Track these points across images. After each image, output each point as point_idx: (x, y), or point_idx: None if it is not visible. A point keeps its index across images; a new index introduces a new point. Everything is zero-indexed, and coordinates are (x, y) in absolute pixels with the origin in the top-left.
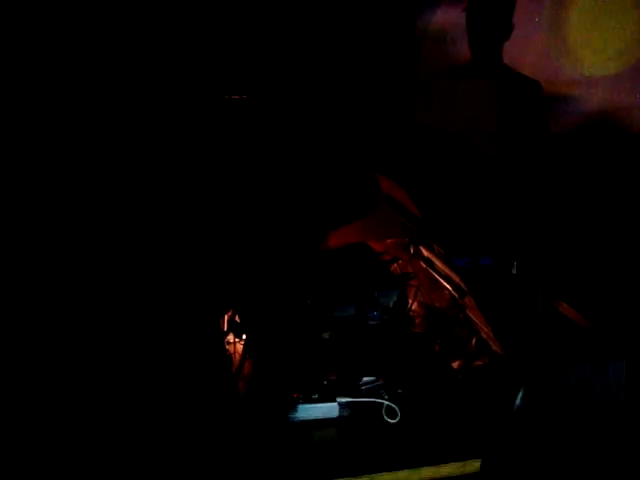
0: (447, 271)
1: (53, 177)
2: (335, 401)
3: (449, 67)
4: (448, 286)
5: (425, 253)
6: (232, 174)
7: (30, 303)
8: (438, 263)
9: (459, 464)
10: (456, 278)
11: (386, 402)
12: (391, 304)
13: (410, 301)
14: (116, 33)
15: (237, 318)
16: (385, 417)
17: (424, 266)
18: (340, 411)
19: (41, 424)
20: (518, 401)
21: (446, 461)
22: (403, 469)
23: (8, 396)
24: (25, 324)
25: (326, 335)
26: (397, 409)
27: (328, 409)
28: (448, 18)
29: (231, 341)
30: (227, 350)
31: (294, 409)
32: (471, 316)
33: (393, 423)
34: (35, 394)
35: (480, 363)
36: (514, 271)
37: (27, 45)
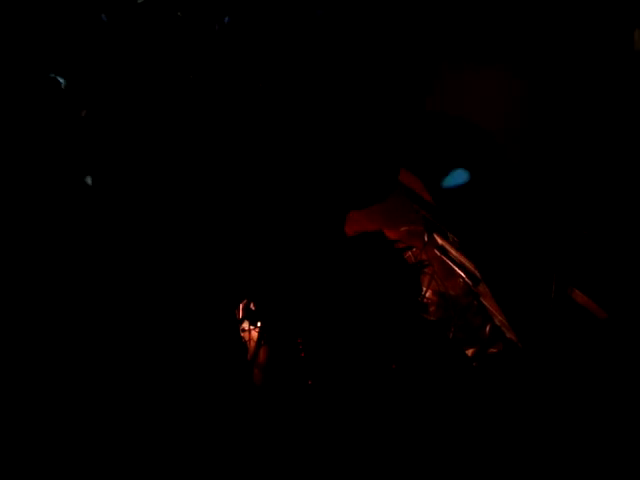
0: (461, 259)
1: (54, 176)
2: None
3: (464, 55)
4: (462, 274)
5: (439, 241)
6: (250, 161)
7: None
8: (452, 251)
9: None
10: (470, 266)
11: None
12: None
13: (424, 289)
14: (115, 32)
15: (252, 306)
16: None
17: (438, 254)
18: None
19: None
20: None
21: (460, 448)
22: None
23: (15, 392)
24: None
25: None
26: None
27: None
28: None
29: (246, 329)
30: (242, 338)
31: None
32: (485, 303)
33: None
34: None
35: (494, 350)
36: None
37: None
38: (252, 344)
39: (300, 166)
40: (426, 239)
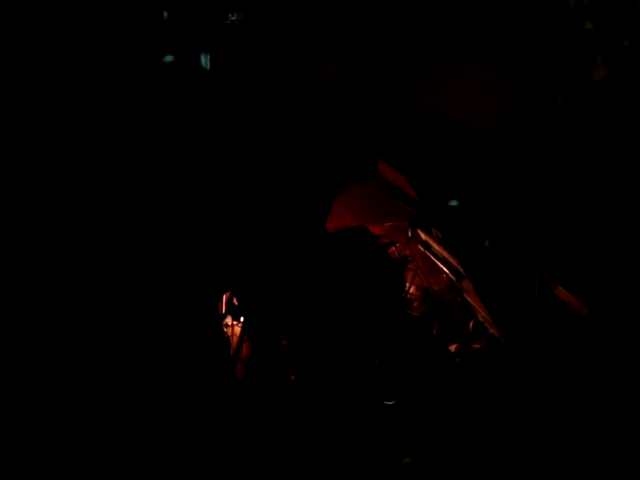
0: (445, 254)
1: (53, 176)
2: None
3: (452, 51)
4: (446, 269)
5: (423, 236)
6: (230, 159)
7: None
8: (436, 246)
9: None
10: (454, 261)
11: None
12: (388, 287)
13: (408, 284)
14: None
15: (235, 301)
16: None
17: (422, 249)
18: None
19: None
20: None
21: (444, 443)
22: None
23: (8, 396)
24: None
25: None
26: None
27: None
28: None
29: (229, 324)
30: (225, 333)
31: None
32: (468, 299)
33: (390, 405)
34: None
35: (477, 346)
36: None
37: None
38: (235, 339)
39: (283, 151)
40: (410, 234)
